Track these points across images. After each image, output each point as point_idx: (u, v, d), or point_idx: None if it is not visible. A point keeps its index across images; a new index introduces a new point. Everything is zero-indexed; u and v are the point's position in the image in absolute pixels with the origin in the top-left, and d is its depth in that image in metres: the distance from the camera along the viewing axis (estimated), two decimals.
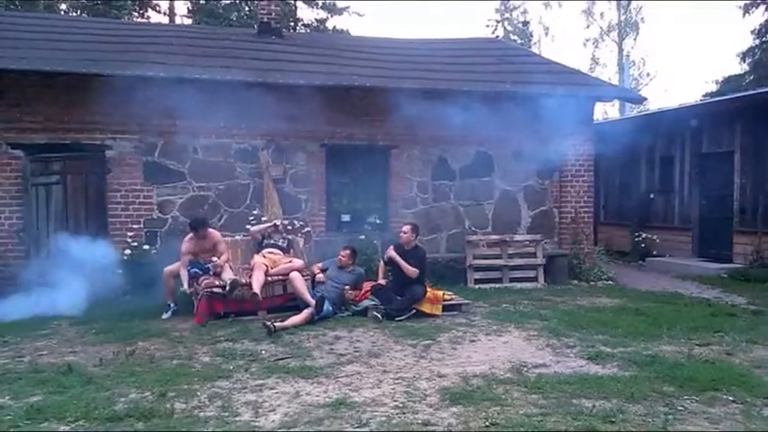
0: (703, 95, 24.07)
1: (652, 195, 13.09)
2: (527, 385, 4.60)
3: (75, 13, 22.22)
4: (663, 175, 12.85)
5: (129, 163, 8.68)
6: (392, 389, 4.56)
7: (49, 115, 8.24)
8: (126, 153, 8.65)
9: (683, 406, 4.20)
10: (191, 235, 7.49)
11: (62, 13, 22.08)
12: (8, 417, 3.99)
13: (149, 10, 25.52)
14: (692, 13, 46.46)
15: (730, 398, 4.35)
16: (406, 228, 7.58)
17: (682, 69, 47.61)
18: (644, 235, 12.62)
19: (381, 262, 7.82)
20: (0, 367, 5.15)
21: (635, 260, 12.45)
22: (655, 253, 12.40)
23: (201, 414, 4.05)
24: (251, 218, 8.86)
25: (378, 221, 9.64)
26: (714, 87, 25.11)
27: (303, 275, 7.31)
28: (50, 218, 8.51)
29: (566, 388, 4.52)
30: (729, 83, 23.98)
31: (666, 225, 12.67)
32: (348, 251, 7.75)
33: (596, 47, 33.98)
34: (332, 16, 27.90)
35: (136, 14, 24.61)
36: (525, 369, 5.07)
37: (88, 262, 7.65)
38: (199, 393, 4.45)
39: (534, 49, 31.49)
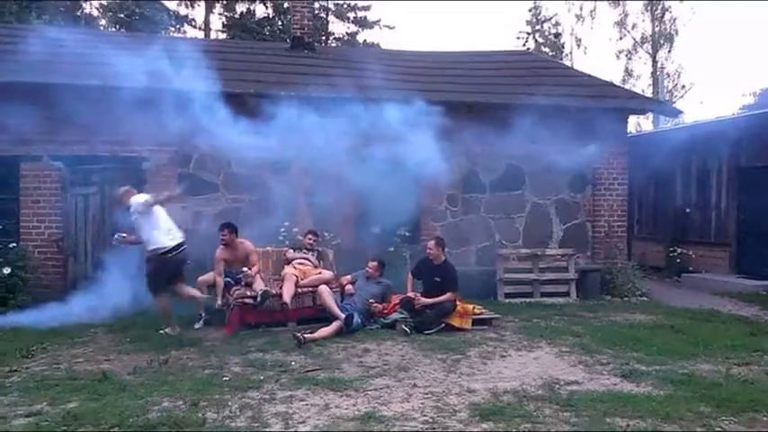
0: (741, 108, 23.54)
1: (688, 210, 12.79)
2: (559, 402, 4.54)
3: (113, 29, 22.87)
4: (699, 190, 12.56)
5: (165, 174, 8.87)
6: (421, 403, 4.54)
7: (89, 128, 8.47)
8: (161, 165, 8.85)
9: (720, 427, 4.09)
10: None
11: (101, 29, 22.76)
12: (45, 423, 4.09)
13: (185, 25, 26.18)
14: (728, 25, 45.59)
15: None
16: (431, 243, 7.59)
17: (718, 81, 46.76)
18: (679, 250, 12.32)
19: (410, 275, 7.81)
20: (38, 374, 5.28)
21: (670, 276, 12.17)
22: (690, 269, 12.11)
23: (233, 424, 4.09)
24: (282, 229, 8.94)
25: (407, 234, 9.63)
26: (751, 100, 24.53)
27: (332, 287, 7.37)
28: (88, 227, 8.75)
29: (599, 406, 4.44)
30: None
31: (703, 240, 12.35)
32: (375, 263, 7.81)
33: (629, 59, 33.47)
34: (363, 30, 28.23)
35: (172, 29, 25.23)
36: (557, 386, 5.00)
37: (124, 271, 7.84)
38: (230, 403, 4.49)
39: (566, 62, 31.33)
